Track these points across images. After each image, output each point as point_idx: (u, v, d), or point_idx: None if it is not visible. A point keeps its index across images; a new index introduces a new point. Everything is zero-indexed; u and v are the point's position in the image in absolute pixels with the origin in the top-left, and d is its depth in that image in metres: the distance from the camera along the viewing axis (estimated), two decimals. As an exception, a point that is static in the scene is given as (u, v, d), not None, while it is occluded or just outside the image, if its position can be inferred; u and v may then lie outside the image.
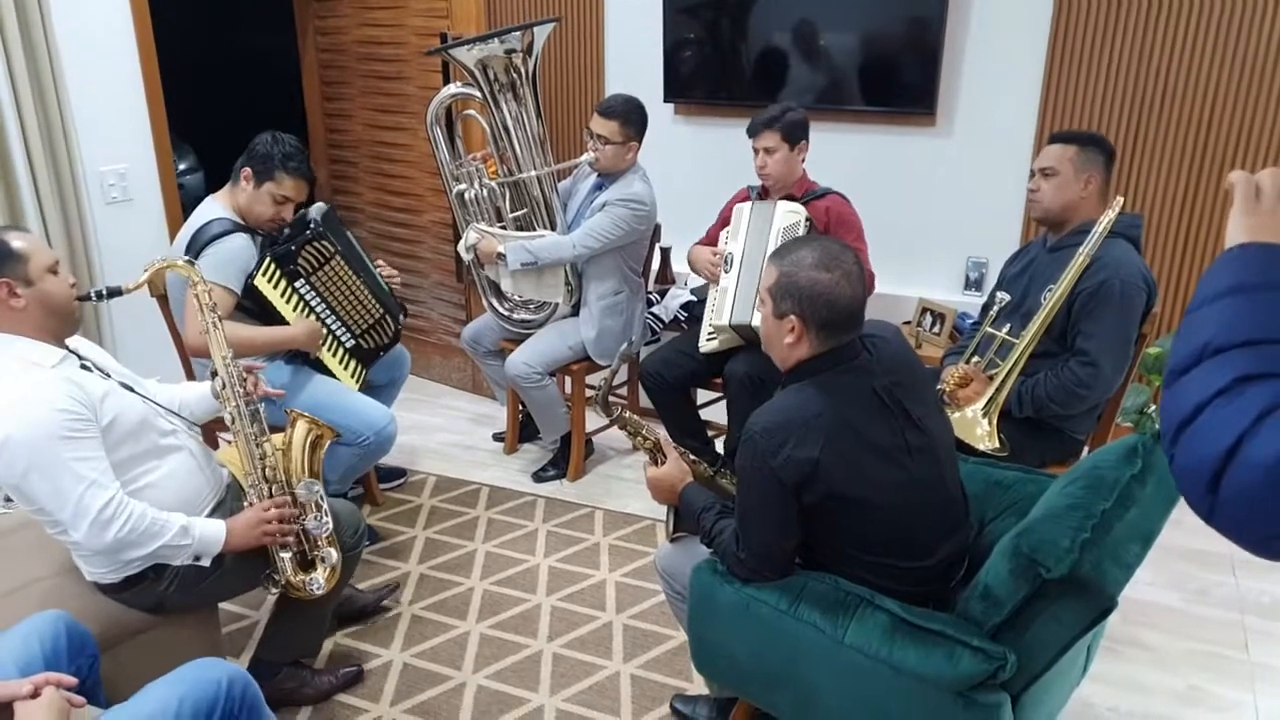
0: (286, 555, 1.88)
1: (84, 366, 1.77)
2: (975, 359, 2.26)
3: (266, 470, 1.89)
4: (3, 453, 1.61)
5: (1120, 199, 2.06)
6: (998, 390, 2.09)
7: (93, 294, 1.79)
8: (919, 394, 1.59)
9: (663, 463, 1.80)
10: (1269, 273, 0.81)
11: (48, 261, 1.73)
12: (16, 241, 1.70)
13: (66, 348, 1.77)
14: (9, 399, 1.63)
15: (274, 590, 1.92)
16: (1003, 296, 2.25)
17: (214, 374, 1.92)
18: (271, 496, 1.88)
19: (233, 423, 1.89)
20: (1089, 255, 2.04)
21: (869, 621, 1.48)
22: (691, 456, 1.86)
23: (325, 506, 1.92)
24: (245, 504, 1.90)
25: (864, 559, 1.56)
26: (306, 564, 1.92)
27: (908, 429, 1.54)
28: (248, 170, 2.37)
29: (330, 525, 1.92)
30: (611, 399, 1.93)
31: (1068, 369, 2.09)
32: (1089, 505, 1.44)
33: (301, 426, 1.99)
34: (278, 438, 1.95)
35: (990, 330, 2.23)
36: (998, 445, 2.07)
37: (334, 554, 1.93)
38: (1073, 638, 1.43)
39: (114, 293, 1.80)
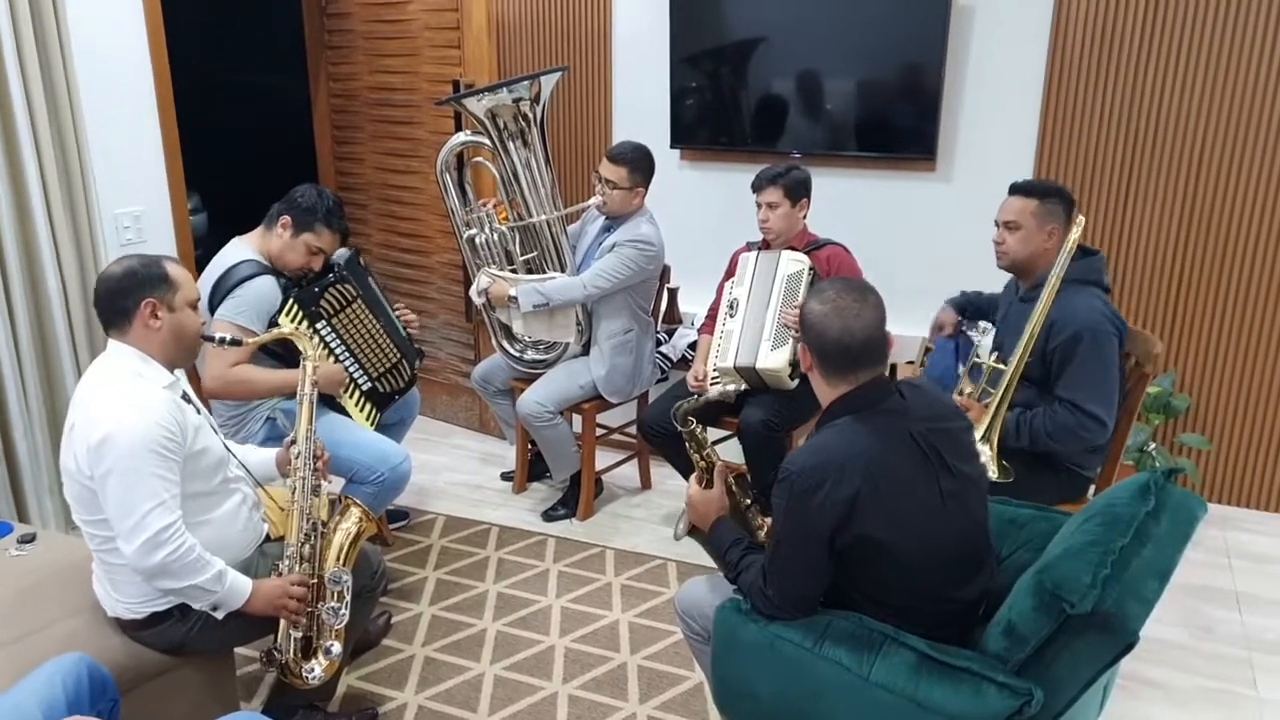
0: (296, 634, 1.86)
1: (185, 397, 1.81)
2: (968, 390, 2.26)
3: (306, 547, 1.89)
4: (98, 449, 1.64)
5: (1071, 244, 2.09)
6: (994, 416, 2.10)
7: (216, 339, 1.90)
8: (953, 439, 1.62)
9: (708, 487, 1.83)
10: None
11: (191, 297, 1.81)
12: (171, 268, 1.79)
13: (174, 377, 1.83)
14: (117, 401, 1.68)
15: (271, 669, 1.89)
16: (986, 344, 2.32)
17: (291, 442, 1.97)
18: (301, 573, 1.87)
19: (294, 493, 1.92)
20: (1046, 313, 2.08)
21: (895, 658, 1.50)
22: (734, 486, 1.89)
23: (347, 600, 1.89)
24: (274, 569, 1.89)
25: (889, 602, 1.58)
26: (309, 651, 1.89)
27: (942, 474, 1.57)
28: (286, 219, 2.40)
29: (346, 619, 1.89)
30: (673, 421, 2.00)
31: (1063, 413, 2.11)
32: (1108, 541, 1.47)
33: (354, 515, 1.98)
34: (322, 509, 1.95)
35: (977, 360, 2.26)
36: (999, 472, 2.06)
37: (337, 647, 1.88)
38: (1096, 674, 1.45)
39: (235, 343, 1.95)
